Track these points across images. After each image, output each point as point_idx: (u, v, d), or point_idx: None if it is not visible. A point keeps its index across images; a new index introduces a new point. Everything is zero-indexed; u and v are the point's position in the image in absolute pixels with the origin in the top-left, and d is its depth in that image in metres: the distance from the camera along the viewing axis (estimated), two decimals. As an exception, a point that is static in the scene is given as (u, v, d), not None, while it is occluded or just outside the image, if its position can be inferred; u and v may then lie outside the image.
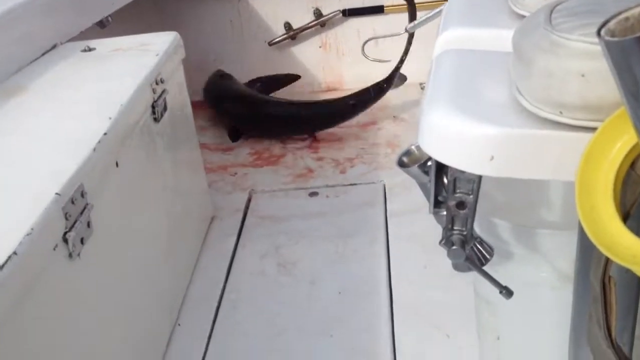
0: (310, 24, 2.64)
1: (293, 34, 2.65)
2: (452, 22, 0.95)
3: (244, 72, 2.75)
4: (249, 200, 2.09)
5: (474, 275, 1.27)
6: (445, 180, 0.93)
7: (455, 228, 0.87)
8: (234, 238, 1.90)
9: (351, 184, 2.09)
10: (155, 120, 1.53)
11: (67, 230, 1.06)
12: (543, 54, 0.62)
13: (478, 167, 0.67)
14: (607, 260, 0.66)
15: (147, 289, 1.45)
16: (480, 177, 0.81)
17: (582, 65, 0.60)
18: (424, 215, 1.89)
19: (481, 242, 1.02)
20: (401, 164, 0.98)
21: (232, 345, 1.53)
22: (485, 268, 1.07)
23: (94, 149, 1.17)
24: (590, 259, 0.96)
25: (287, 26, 2.65)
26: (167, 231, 1.60)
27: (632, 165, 0.61)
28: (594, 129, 0.61)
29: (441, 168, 0.93)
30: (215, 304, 1.65)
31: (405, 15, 2.55)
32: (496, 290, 1.21)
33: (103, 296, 1.22)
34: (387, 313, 1.55)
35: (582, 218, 0.59)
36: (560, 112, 0.63)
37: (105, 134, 1.22)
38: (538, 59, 0.63)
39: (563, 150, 0.64)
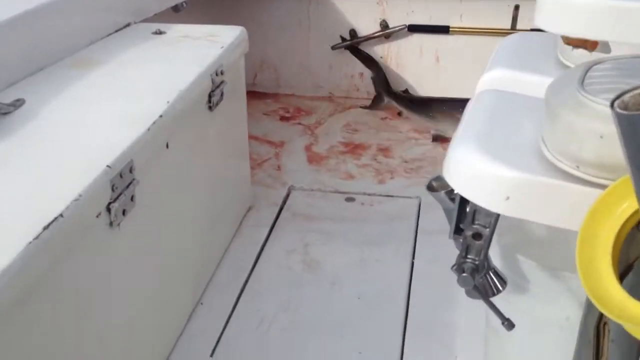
0: (374, 34, 2.69)
1: (357, 42, 2.71)
2: (499, 63, 0.99)
3: (306, 71, 2.83)
4: (287, 195, 2.15)
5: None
6: (468, 210, 0.98)
7: (469, 256, 0.91)
8: (267, 230, 1.97)
9: (388, 195, 2.13)
10: (210, 108, 1.60)
11: (112, 201, 1.14)
12: (568, 111, 0.67)
13: (493, 205, 0.72)
14: (600, 317, 0.70)
15: (177, 266, 1.53)
16: (498, 215, 0.85)
17: (602, 127, 0.64)
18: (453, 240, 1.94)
19: (495, 272, 1.06)
20: (430, 188, 1.02)
21: (247, 330, 1.59)
22: (498, 298, 1.11)
23: (148, 129, 1.25)
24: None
25: (352, 33, 2.70)
26: (204, 214, 1.67)
27: (638, 225, 0.64)
28: (605, 187, 0.65)
29: (465, 199, 0.98)
30: (238, 290, 1.72)
31: (470, 38, 2.60)
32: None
33: (135, 267, 1.30)
34: (400, 325, 1.60)
35: (580, 268, 0.63)
36: (577, 167, 0.67)
37: (160, 116, 1.30)
38: (563, 114, 0.67)
39: (574, 201, 0.68)
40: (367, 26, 2.69)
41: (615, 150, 0.64)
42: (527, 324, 1.18)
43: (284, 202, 2.12)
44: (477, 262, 0.91)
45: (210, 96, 1.58)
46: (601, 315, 0.71)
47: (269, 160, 2.35)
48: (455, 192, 0.99)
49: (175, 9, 2.14)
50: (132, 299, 1.30)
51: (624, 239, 0.62)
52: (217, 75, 1.60)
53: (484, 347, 1.35)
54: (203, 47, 1.67)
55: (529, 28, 2.54)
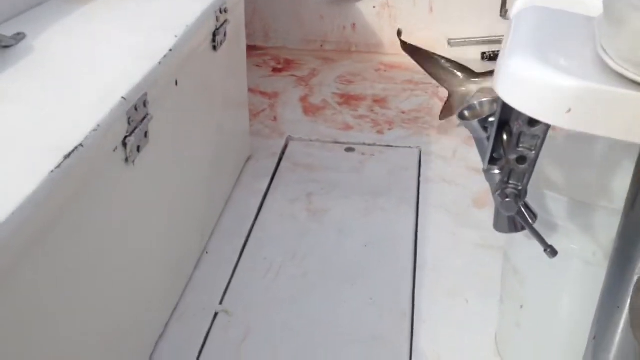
0: (368, -17, 2.63)
1: (351, -8, 2.65)
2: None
3: (296, 21, 2.76)
4: (286, 146, 2.11)
5: (505, 241, 1.30)
6: (505, 137, 0.95)
7: (511, 182, 0.89)
8: (268, 180, 1.93)
9: (388, 145, 2.10)
10: (214, 48, 1.55)
11: (128, 134, 1.09)
12: (637, 13, 0.63)
13: (554, 118, 0.69)
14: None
15: (185, 212, 1.49)
16: (546, 134, 0.82)
17: (679, 29, 0.61)
18: (457, 187, 1.94)
19: (526, 205, 1.04)
20: (462, 117, 0.99)
21: (255, 278, 1.56)
22: (521, 234, 1.09)
23: (159, 62, 1.20)
24: (631, 239, 0.98)
25: (346, -18, 2.65)
26: (207, 161, 1.63)
27: None
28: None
29: (502, 125, 0.95)
30: (243, 239, 1.69)
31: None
32: (526, 260, 1.24)
33: (147, 208, 1.26)
34: (409, 271, 1.58)
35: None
36: (647, 74, 0.64)
37: (170, 50, 1.25)
38: (631, 18, 0.64)
39: (638, 111, 0.65)
40: (361, -25, 2.63)
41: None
42: (550, 260, 1.16)
43: (283, 152, 2.08)
44: (520, 188, 0.89)
45: (214, 35, 1.53)
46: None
47: (264, 112, 2.30)
48: (490, 119, 0.97)
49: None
50: (144, 241, 1.26)
51: None
52: (221, 12, 1.54)
53: (500, 286, 1.34)
54: (204, -15, 1.60)
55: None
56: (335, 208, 1.81)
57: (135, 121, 1.11)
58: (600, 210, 1.10)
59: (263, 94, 2.42)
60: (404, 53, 2.55)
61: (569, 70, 0.68)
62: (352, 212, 1.79)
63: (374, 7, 2.70)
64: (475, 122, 0.97)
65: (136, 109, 1.11)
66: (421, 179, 1.93)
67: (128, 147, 1.10)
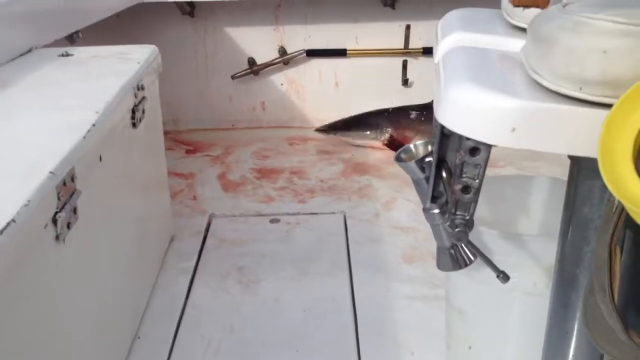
0: (274, 61, 2.70)
1: (256, 69, 2.71)
2: (452, 29, 1.02)
3: (206, 104, 2.78)
4: (209, 223, 2.08)
5: (445, 286, 1.31)
6: (444, 175, 0.98)
7: (458, 213, 0.91)
8: (195, 258, 1.89)
9: (312, 213, 2.12)
10: (134, 125, 1.53)
11: (58, 210, 1.04)
12: (566, 33, 0.69)
13: (499, 138, 0.72)
14: (614, 229, 0.71)
15: (114, 293, 1.43)
16: (486, 163, 0.86)
17: (604, 42, 0.66)
18: (385, 246, 1.96)
19: (468, 242, 1.06)
20: (398, 159, 1.02)
21: (194, 357, 1.50)
22: (462, 271, 1.11)
23: (84, 137, 1.17)
24: (571, 262, 1.02)
25: (251, 61, 2.70)
26: (133, 241, 1.58)
27: None
28: (611, 106, 0.67)
29: (440, 163, 0.99)
30: (177, 319, 1.63)
31: (366, 60, 2.68)
32: (469, 300, 1.26)
33: (77, 289, 1.19)
34: (352, 331, 1.56)
35: (606, 178, 0.64)
36: (580, 88, 0.69)
37: (93, 125, 1.22)
38: (561, 38, 0.69)
39: (581, 125, 0.70)
40: (265, 53, 2.70)
41: (619, 65, 0.67)
42: (493, 296, 1.19)
43: (207, 229, 2.04)
44: (467, 218, 0.91)
45: (133, 112, 1.51)
46: (612, 237, 0.72)
47: (182, 192, 2.27)
48: (427, 159, 1.00)
49: (71, 39, 2.05)
50: (74, 324, 1.19)
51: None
52: (138, 90, 1.53)
53: (445, 332, 1.35)
54: (118, 64, 1.60)
55: (420, 47, 2.66)
56: (268, 278, 1.78)
57: (64, 196, 1.06)
58: (534, 240, 1.14)
59: (179, 175, 2.39)
60: (314, 127, 2.64)
61: (508, 92, 0.72)
62: (286, 280, 1.77)
63: (282, 84, 2.76)
64: (412, 164, 1.00)
65: (65, 184, 1.07)
66: (349, 241, 1.95)
67: (58, 223, 1.05)
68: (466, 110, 0.74)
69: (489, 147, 0.84)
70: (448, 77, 0.80)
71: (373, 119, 2.58)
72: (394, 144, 2.56)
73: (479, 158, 0.85)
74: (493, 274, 1.14)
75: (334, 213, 2.12)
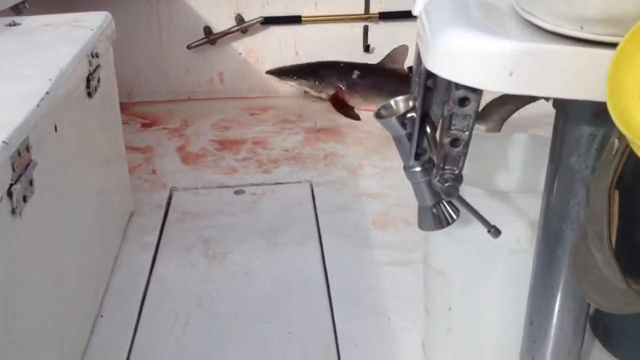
0: (230, 30, 2.61)
1: (213, 39, 2.61)
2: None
3: (162, 76, 2.68)
4: (170, 197, 2.01)
5: (424, 249, 1.28)
6: (428, 130, 0.94)
7: (447, 167, 0.87)
8: (157, 232, 1.82)
9: (278, 183, 2.06)
10: (89, 95, 1.45)
11: (13, 182, 0.97)
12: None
13: (497, 84, 0.68)
14: (615, 171, 0.69)
15: (75, 270, 1.36)
16: (476, 113, 0.82)
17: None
18: (354, 213, 1.93)
19: (449, 201, 1.03)
20: (379, 116, 0.98)
21: (161, 333, 1.44)
22: (443, 231, 1.08)
23: (38, 105, 1.10)
24: (557, 216, 1.00)
25: (207, 30, 2.61)
26: (92, 216, 1.51)
27: None
28: (613, 45, 0.64)
29: (424, 118, 0.95)
30: (141, 295, 1.57)
31: (326, 26, 2.61)
32: (449, 261, 1.23)
33: (36, 265, 1.13)
34: (325, 300, 1.53)
35: (615, 117, 0.61)
36: (581, 27, 0.65)
37: (47, 92, 1.15)
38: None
39: (582, 66, 0.66)
40: (222, 22, 2.61)
41: (623, 1, 0.63)
42: (475, 254, 1.16)
43: (169, 203, 1.97)
44: (456, 172, 0.87)
45: (88, 80, 1.43)
46: (612, 181, 0.69)
47: (140, 166, 2.18)
48: (409, 115, 0.96)
49: (16, 9, 1.94)
50: (33, 302, 1.12)
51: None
52: (93, 57, 1.45)
53: (414, 302, 1.33)
54: (70, 31, 1.51)
55: (378, 12, 2.61)
56: (236, 250, 1.73)
57: (19, 167, 0.99)
58: (517, 196, 1.11)
59: (136, 149, 2.29)
60: (274, 96, 2.57)
61: (504, 34, 0.68)
62: (254, 251, 1.72)
63: (240, 53, 2.68)
64: (393, 120, 0.96)
65: (19, 154, 0.99)
66: (317, 210, 1.90)
67: (14, 196, 0.97)
68: (461, 56, 0.70)
69: (478, 96, 0.81)
70: (436, 25, 0.76)
71: (325, 72, 2.55)
72: (337, 103, 2.52)
73: (468, 108, 0.81)
74: (475, 233, 1.12)
75: (300, 182, 2.07)
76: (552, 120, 0.96)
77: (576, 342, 1.10)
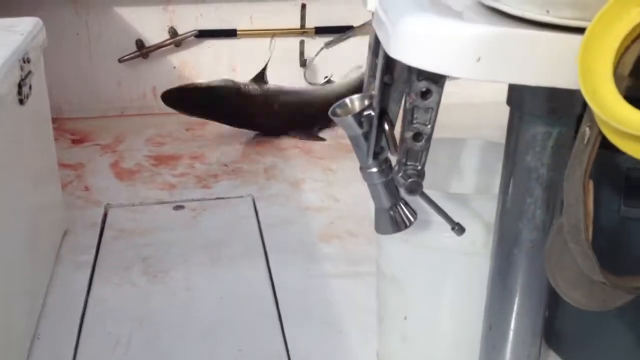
0: (164, 43, 2.54)
1: (145, 52, 2.54)
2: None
3: (92, 90, 2.58)
4: (105, 214, 1.92)
5: (365, 264, 1.26)
6: (387, 127, 0.92)
7: (409, 163, 0.85)
8: (92, 251, 1.72)
9: (218, 198, 2.00)
10: (21, 102, 1.36)
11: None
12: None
13: (464, 70, 0.67)
14: (588, 161, 0.68)
15: (7, 289, 1.26)
16: (438, 106, 0.80)
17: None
18: (298, 226, 1.90)
19: (406, 203, 1.01)
20: (334, 114, 0.95)
21: (103, 356, 1.36)
22: (397, 236, 1.06)
23: (-33, 110, 1.01)
24: (513, 216, 0.99)
25: (139, 43, 2.53)
26: (24, 233, 1.42)
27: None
28: (580, 29, 0.63)
29: (382, 116, 0.92)
30: (79, 316, 1.47)
31: (262, 41, 2.58)
32: (403, 267, 1.21)
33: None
34: (274, 315, 1.48)
35: (589, 100, 0.60)
36: (547, 11, 0.64)
37: (-24, 97, 1.07)
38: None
39: (548, 51, 0.65)
40: (155, 35, 2.53)
41: (589, -17, 0.63)
42: (429, 259, 1.15)
43: (104, 221, 1.88)
44: (419, 168, 0.85)
45: (20, 86, 1.34)
46: (586, 171, 0.69)
47: (72, 183, 2.08)
48: (366, 113, 0.93)
49: None
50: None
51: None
52: (24, 62, 1.37)
53: (366, 313, 1.30)
54: (1, 35, 1.42)
55: (314, 26, 2.60)
56: (177, 267, 1.65)
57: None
58: (471, 199, 1.11)
59: (66, 166, 2.18)
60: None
61: (470, 19, 0.67)
62: (197, 267, 1.65)
63: (174, 67, 2.62)
64: (349, 118, 0.94)
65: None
66: (261, 224, 1.85)
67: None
68: (427, 41, 0.68)
69: (440, 88, 0.79)
70: (398, 12, 0.73)
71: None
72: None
73: (431, 101, 0.79)
74: (429, 237, 1.11)
75: (241, 197, 2.01)
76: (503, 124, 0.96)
77: (534, 345, 1.09)
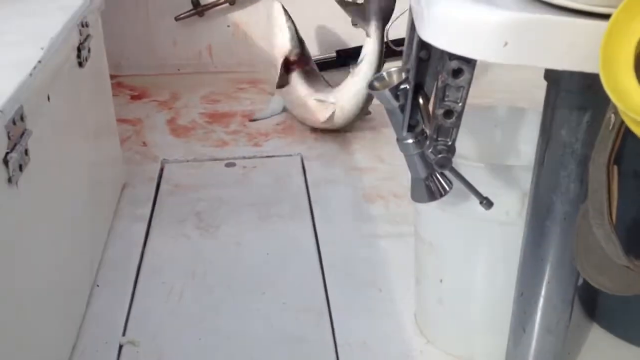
0: (219, 1, 2.59)
1: (201, 10, 2.59)
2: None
3: (148, 48, 2.65)
4: (162, 169, 2.00)
5: (414, 221, 1.30)
6: (421, 102, 0.95)
7: (440, 139, 0.88)
8: (149, 205, 1.82)
9: (268, 156, 2.06)
10: (80, 65, 1.44)
11: (9, 151, 0.97)
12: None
13: (491, 54, 0.69)
14: (613, 147, 0.70)
15: (70, 239, 1.36)
16: (469, 85, 0.83)
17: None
18: (345, 186, 1.94)
19: (442, 173, 1.04)
20: (372, 87, 0.98)
21: (157, 303, 1.45)
22: (434, 204, 1.10)
23: (30, 74, 1.09)
24: (548, 188, 1.01)
25: (195, 2, 2.58)
26: (86, 186, 1.51)
27: None
28: (606, 16, 0.65)
29: (417, 90, 0.95)
30: (135, 267, 1.57)
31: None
32: (440, 233, 1.24)
33: (33, 235, 1.12)
34: (317, 271, 1.55)
35: (608, 89, 0.62)
36: (574, -2, 0.66)
37: (39, 61, 1.14)
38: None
39: (575, 37, 0.67)
40: (212, -7, 2.58)
41: (616, -30, 0.64)
42: (465, 227, 1.18)
43: (160, 176, 1.97)
44: (449, 144, 0.88)
45: (79, 49, 1.42)
46: (610, 156, 0.70)
47: (130, 138, 2.17)
48: (402, 87, 0.96)
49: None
50: (30, 272, 1.12)
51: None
52: (83, 26, 1.44)
53: (415, 265, 1.34)
54: (60, 0, 1.49)
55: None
56: (228, 222, 1.73)
57: (14, 136, 0.99)
58: (506, 169, 1.13)
59: (125, 121, 2.28)
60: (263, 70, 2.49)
61: (499, 5, 0.69)
62: (246, 223, 1.73)
63: (228, 26, 2.66)
64: (386, 92, 0.97)
65: (14, 123, 0.99)
66: (308, 183, 1.91)
67: (10, 165, 0.97)
68: (456, 26, 0.70)
69: (472, 68, 0.82)
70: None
71: None
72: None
73: (462, 80, 0.82)
74: (465, 206, 1.13)
75: (290, 155, 2.07)
76: (541, 93, 0.97)
77: (565, 312, 1.12)
